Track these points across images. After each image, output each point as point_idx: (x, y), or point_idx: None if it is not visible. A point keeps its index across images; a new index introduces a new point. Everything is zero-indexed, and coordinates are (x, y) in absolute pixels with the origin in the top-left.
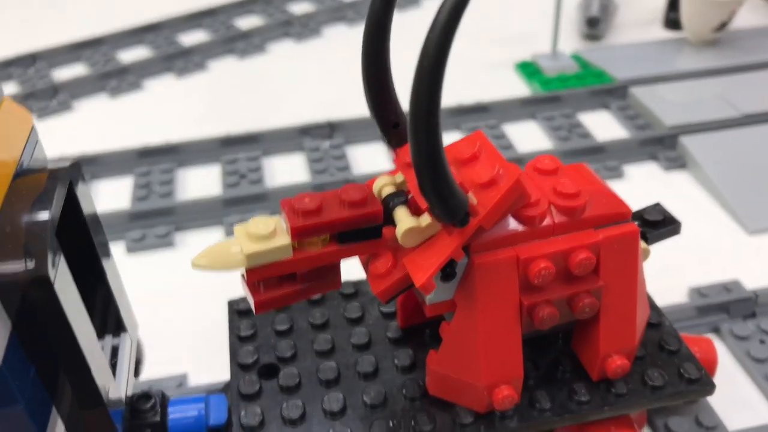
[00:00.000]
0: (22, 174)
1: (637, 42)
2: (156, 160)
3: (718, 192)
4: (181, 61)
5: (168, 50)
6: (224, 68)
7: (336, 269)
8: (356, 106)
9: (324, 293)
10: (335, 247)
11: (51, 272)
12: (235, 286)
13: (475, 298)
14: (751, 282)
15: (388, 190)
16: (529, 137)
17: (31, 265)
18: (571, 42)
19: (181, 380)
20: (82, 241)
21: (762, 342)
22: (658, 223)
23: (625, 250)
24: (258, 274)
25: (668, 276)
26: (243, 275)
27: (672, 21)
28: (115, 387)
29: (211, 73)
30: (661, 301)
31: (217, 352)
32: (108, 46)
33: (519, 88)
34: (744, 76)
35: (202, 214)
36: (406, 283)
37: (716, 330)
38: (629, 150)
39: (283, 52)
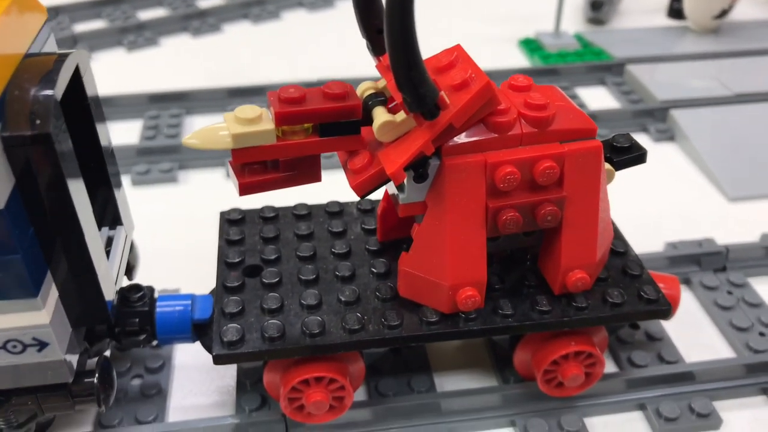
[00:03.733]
0: (32, 56)
1: (640, 27)
2: (166, 106)
3: (702, 162)
4: (197, 22)
5: (185, 11)
6: (238, 31)
7: (316, 162)
8: (363, 69)
9: (304, 184)
10: (316, 139)
11: (53, 132)
12: None
13: (444, 199)
14: (726, 241)
15: (369, 93)
16: None
17: (36, 124)
18: (576, 25)
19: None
20: (87, 134)
21: (729, 293)
22: (625, 150)
23: (588, 164)
24: (243, 157)
25: (648, 231)
26: (230, 162)
27: (676, 11)
28: (106, 267)
29: (225, 35)
30: (636, 251)
31: (207, 273)
32: (128, 5)
33: (520, 62)
34: (740, 61)
35: (205, 153)
36: (380, 179)
37: (687, 281)
38: (621, 120)
39: (296, 19)
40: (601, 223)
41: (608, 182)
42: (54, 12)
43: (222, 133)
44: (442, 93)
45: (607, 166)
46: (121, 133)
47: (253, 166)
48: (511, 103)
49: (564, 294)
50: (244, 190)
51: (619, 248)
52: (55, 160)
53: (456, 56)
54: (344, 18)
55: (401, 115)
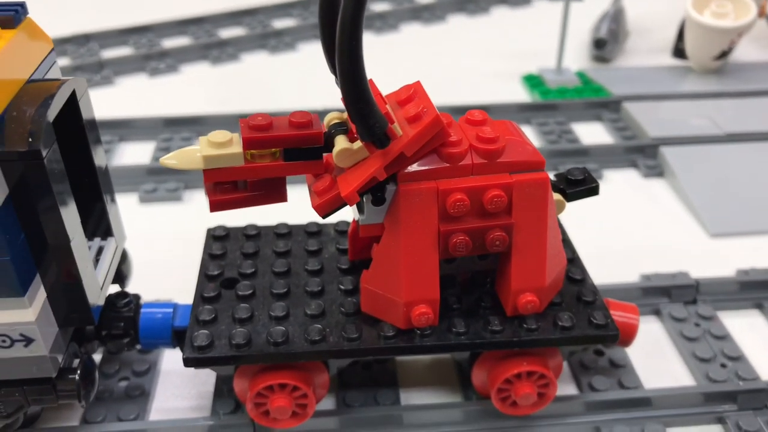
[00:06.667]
0: (34, 81)
1: (643, 66)
2: (178, 129)
3: (687, 198)
4: (216, 51)
5: (207, 40)
6: (255, 61)
7: (282, 184)
8: None
9: (271, 203)
10: (281, 163)
11: (43, 149)
12: None
13: (400, 222)
14: (702, 275)
15: (334, 122)
16: None
17: (28, 142)
18: (580, 62)
19: None
20: (83, 153)
21: (697, 325)
22: (579, 182)
23: (535, 194)
24: (214, 177)
25: (627, 262)
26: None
27: (680, 50)
28: (93, 274)
29: (242, 64)
30: (611, 281)
31: None
32: (154, 33)
33: (520, 97)
34: (737, 101)
35: None
36: (339, 201)
37: (657, 312)
38: (612, 155)
39: (312, 51)
40: (551, 250)
41: (559, 212)
42: (85, 38)
43: (196, 155)
44: (394, 125)
45: (558, 196)
46: (135, 154)
47: (224, 186)
48: (465, 135)
49: (516, 316)
50: (215, 207)
51: (577, 276)
52: (44, 174)
53: (414, 92)
54: None
55: (358, 144)
